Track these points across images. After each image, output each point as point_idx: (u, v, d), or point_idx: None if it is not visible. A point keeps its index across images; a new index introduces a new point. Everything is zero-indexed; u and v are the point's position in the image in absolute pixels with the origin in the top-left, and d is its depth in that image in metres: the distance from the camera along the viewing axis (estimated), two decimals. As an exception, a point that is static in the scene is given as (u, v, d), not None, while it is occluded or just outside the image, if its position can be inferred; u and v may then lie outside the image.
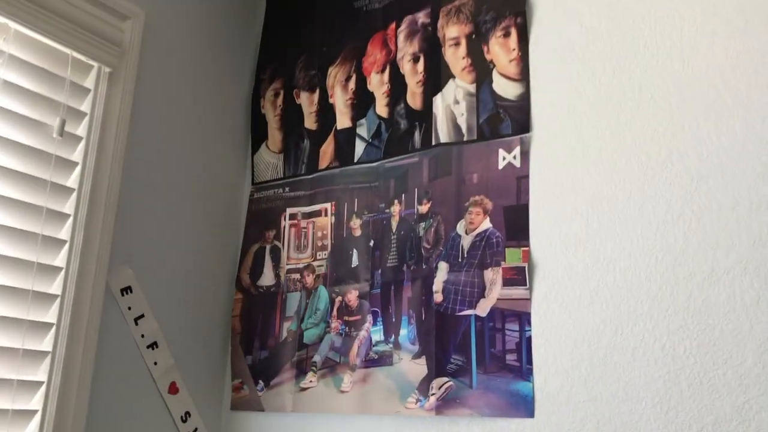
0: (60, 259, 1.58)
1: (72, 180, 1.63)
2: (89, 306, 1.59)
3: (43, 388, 1.51)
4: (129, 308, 1.71)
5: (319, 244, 1.89)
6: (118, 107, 1.71)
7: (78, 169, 1.63)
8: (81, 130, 1.66)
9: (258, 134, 2.10)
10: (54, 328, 1.54)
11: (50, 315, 1.55)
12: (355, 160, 1.88)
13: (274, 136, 2.07)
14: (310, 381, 1.78)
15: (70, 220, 1.60)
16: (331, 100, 1.98)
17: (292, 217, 1.96)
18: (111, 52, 1.70)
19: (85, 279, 1.59)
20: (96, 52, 1.67)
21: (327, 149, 1.95)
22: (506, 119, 1.66)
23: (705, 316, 1.32)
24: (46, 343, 1.53)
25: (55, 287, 1.57)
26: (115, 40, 1.72)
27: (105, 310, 1.64)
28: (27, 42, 1.57)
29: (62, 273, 1.57)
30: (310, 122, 2.01)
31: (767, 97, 1.35)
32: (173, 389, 1.79)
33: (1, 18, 1.51)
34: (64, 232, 1.60)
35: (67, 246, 1.59)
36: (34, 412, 1.49)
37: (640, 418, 1.35)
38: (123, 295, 1.70)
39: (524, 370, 1.49)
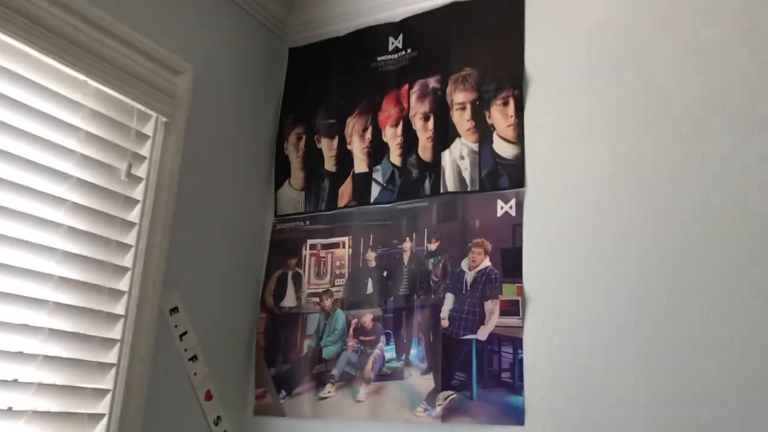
0: (124, 284, 1.84)
1: (134, 215, 1.89)
2: (147, 324, 1.85)
3: (110, 395, 1.77)
4: (176, 326, 1.98)
5: (337, 272, 2.18)
6: (172, 152, 1.98)
7: (139, 206, 1.90)
8: (141, 171, 1.92)
9: (281, 172, 2.38)
10: (119, 344, 1.80)
11: (116, 332, 1.81)
12: (371, 201, 2.18)
13: (297, 175, 2.35)
14: (329, 391, 2.07)
15: (132, 250, 1.87)
16: (349, 147, 2.28)
17: (313, 247, 2.25)
18: (167, 103, 1.97)
19: (144, 301, 1.86)
20: (156, 104, 1.94)
21: (345, 190, 2.24)
22: (504, 175, 1.98)
23: (661, 347, 1.66)
24: (112, 356, 1.79)
25: (119, 308, 1.83)
26: (170, 93, 1.99)
27: (158, 327, 1.90)
28: (101, 96, 1.83)
29: (126, 296, 1.84)
30: (329, 165, 2.30)
31: (718, 167, 1.70)
32: (208, 396, 2.06)
33: (81, 76, 1.76)
34: (127, 260, 1.86)
35: (129, 273, 1.85)
36: (103, 415, 1.75)
37: (609, 428, 1.67)
38: (171, 314, 1.96)
39: (516, 385, 1.80)
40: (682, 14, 1.84)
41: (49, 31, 1.66)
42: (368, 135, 2.25)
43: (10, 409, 1.59)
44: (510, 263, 1.90)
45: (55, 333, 1.66)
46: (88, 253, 1.75)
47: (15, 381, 1.61)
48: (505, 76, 2.05)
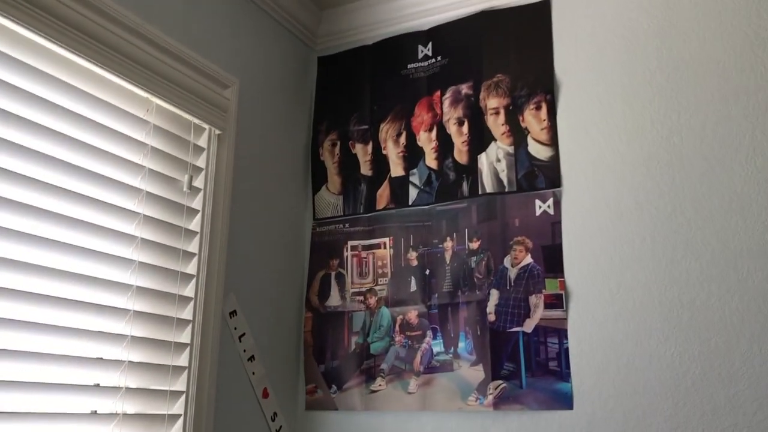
0: (190, 290, 1.94)
1: (194, 224, 1.98)
2: (211, 327, 1.95)
3: (183, 396, 1.86)
4: (235, 328, 2.07)
5: (380, 271, 2.29)
6: (225, 162, 2.07)
7: (199, 216, 1.99)
8: (199, 182, 2.01)
9: (318, 177, 2.48)
10: (189, 348, 1.89)
11: (185, 336, 1.90)
12: (410, 203, 2.29)
13: (334, 179, 2.45)
14: (379, 385, 2.18)
15: (196, 258, 1.96)
16: (384, 152, 2.39)
17: (354, 248, 2.36)
18: (220, 116, 2.06)
19: (208, 306, 1.95)
20: (210, 118, 2.03)
21: (383, 193, 2.35)
22: (540, 176, 2.10)
23: (703, 332, 1.80)
24: (183, 359, 1.88)
25: (186, 313, 1.92)
26: (222, 107, 2.08)
27: (221, 331, 1.99)
28: (161, 112, 1.91)
29: (192, 302, 1.93)
30: (365, 169, 2.41)
31: (745, 167, 1.85)
32: (265, 394, 2.16)
33: (144, 93, 1.85)
34: (191, 268, 1.95)
35: (194, 280, 1.94)
36: (179, 415, 1.84)
37: (656, 409, 1.82)
38: (231, 317, 2.06)
39: (564, 373, 1.94)
40: (711, 17, 1.98)
41: (115, 51, 1.73)
42: (402, 140, 2.36)
43: (94, 412, 1.68)
44: (551, 259, 2.03)
45: (135, 340, 1.75)
46: (159, 263, 1.84)
47: (97, 386, 1.70)
48: (536, 81, 2.17)
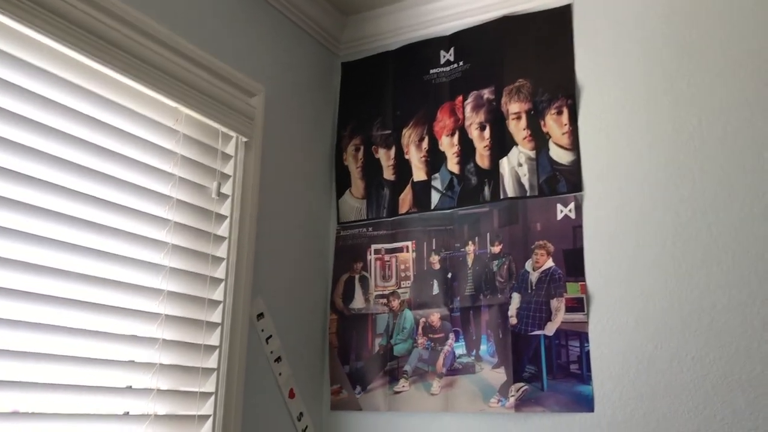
0: (219, 294, 1.99)
1: (223, 229, 2.04)
2: (239, 330, 2.01)
3: (213, 397, 1.92)
4: (262, 330, 2.13)
5: (403, 275, 2.33)
6: (252, 169, 2.12)
7: (227, 221, 2.04)
8: (227, 189, 2.07)
9: (342, 182, 2.53)
10: (218, 350, 1.95)
11: (214, 339, 1.96)
12: (432, 207, 2.33)
13: (357, 184, 2.50)
14: (403, 386, 2.22)
15: (224, 263, 2.01)
16: (406, 156, 2.42)
17: (377, 252, 2.40)
18: (246, 124, 2.11)
19: (236, 309, 2.00)
20: (237, 126, 2.08)
21: (406, 197, 2.39)
22: (561, 180, 2.13)
23: (724, 336, 1.82)
24: (212, 361, 1.94)
25: (216, 316, 1.98)
26: (249, 115, 2.13)
27: (249, 333, 2.05)
28: (190, 122, 1.97)
29: (221, 305, 1.98)
30: (388, 174, 2.45)
31: (765, 172, 1.85)
32: (291, 394, 2.22)
33: (174, 103, 1.90)
34: (220, 272, 2.01)
35: (223, 284, 2.00)
36: (209, 416, 1.90)
37: (675, 412, 1.84)
38: (258, 320, 2.11)
39: (585, 376, 1.96)
40: (730, 22, 1.99)
41: (146, 63, 1.79)
42: (425, 144, 2.40)
43: (126, 413, 1.74)
44: (572, 263, 2.05)
45: (167, 343, 1.81)
46: (190, 267, 1.90)
47: (129, 387, 1.76)
48: (557, 86, 2.19)
